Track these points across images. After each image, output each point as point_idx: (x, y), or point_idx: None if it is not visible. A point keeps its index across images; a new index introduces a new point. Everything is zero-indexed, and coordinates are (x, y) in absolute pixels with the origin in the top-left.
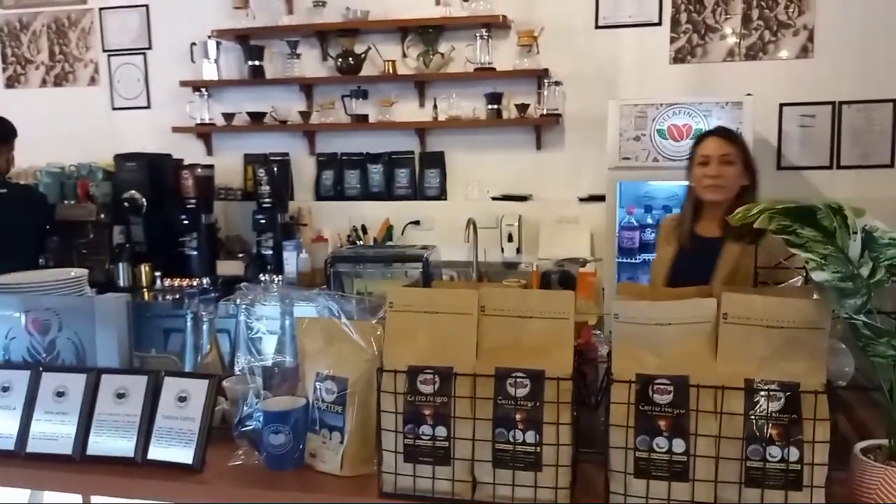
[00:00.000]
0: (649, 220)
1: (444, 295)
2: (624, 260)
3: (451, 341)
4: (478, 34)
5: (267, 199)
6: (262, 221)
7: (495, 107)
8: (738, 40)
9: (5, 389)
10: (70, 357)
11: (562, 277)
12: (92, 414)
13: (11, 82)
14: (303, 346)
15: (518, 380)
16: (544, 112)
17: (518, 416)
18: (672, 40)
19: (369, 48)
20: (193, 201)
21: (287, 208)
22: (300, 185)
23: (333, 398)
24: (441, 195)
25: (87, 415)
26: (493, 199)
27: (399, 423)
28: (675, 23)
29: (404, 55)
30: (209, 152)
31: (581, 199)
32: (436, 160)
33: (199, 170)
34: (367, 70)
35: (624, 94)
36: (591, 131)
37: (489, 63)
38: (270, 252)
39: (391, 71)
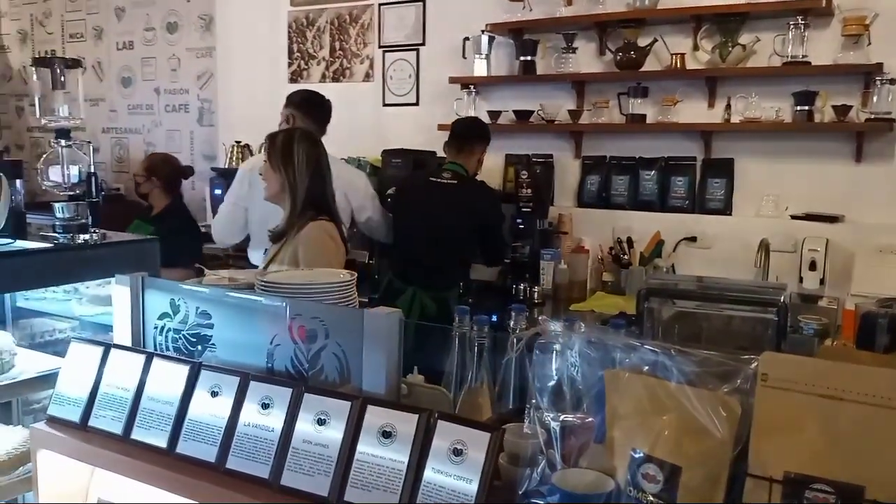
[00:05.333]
0: None
1: (852, 373)
2: None
3: (861, 445)
4: (791, 22)
5: (527, 203)
6: (521, 226)
7: (806, 108)
8: None
9: (265, 406)
10: (333, 373)
11: (892, 323)
12: (352, 453)
13: (295, 77)
14: (613, 407)
15: None
16: (871, 116)
17: None
18: None
19: (655, 40)
20: None
21: (547, 214)
22: (561, 190)
23: (657, 489)
24: (725, 209)
25: (346, 454)
26: (793, 217)
27: None
28: None
29: (696, 47)
30: None
31: None
32: (722, 168)
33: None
34: (649, 65)
35: None
36: None
37: (803, 56)
38: (526, 260)
39: (679, 65)
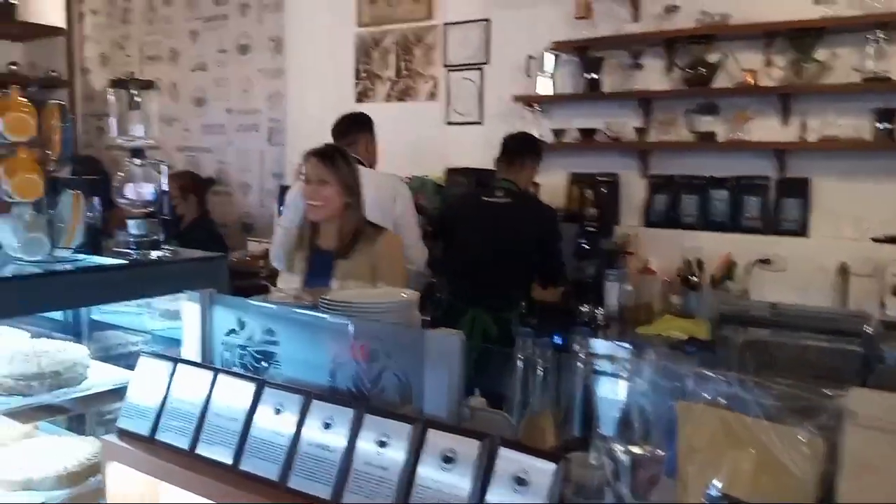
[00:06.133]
0: None
1: None
2: None
3: None
4: (870, 37)
5: (592, 223)
6: (586, 247)
7: (887, 126)
8: None
9: (327, 426)
10: (394, 394)
11: None
12: (412, 478)
13: (361, 97)
14: (687, 440)
15: None
16: None
17: None
18: None
19: (725, 56)
20: None
21: (612, 233)
22: (627, 209)
23: None
24: (801, 231)
25: (406, 479)
26: (875, 240)
27: None
28: None
29: (768, 63)
30: None
31: None
32: (798, 188)
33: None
34: (719, 82)
35: None
36: None
37: (883, 72)
38: (590, 281)
39: (751, 82)
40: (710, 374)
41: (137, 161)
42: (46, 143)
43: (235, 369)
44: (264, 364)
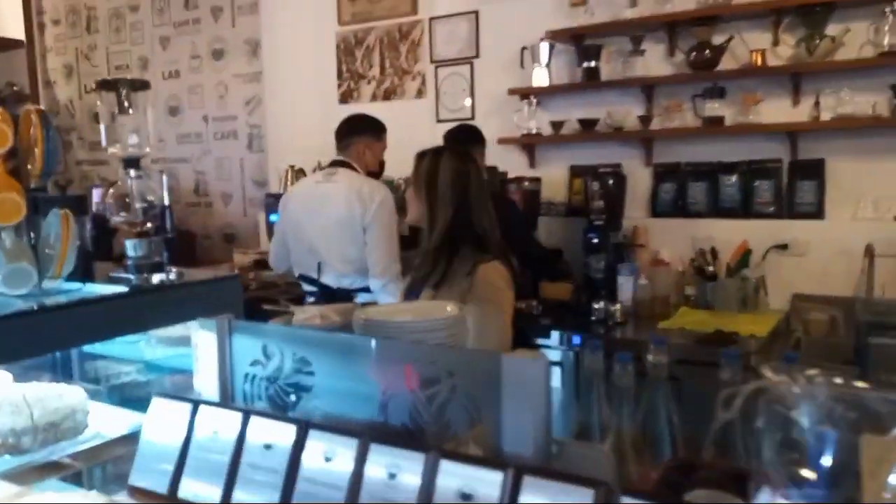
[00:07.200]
0: None
1: None
2: None
3: None
4: (887, 9)
5: (599, 216)
6: (594, 241)
7: None
8: None
9: (392, 476)
10: (463, 430)
11: None
12: None
13: (345, 98)
14: (876, 486)
15: None
16: None
17: None
18: None
19: (731, 37)
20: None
21: (620, 226)
22: (631, 200)
23: None
24: (817, 213)
25: None
26: None
27: None
28: None
29: (776, 42)
30: (532, 164)
31: None
32: (812, 170)
33: (527, 183)
34: (724, 64)
35: None
36: None
37: None
38: (601, 275)
39: (759, 62)
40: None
41: (133, 172)
42: (26, 156)
43: (260, 405)
44: (294, 398)
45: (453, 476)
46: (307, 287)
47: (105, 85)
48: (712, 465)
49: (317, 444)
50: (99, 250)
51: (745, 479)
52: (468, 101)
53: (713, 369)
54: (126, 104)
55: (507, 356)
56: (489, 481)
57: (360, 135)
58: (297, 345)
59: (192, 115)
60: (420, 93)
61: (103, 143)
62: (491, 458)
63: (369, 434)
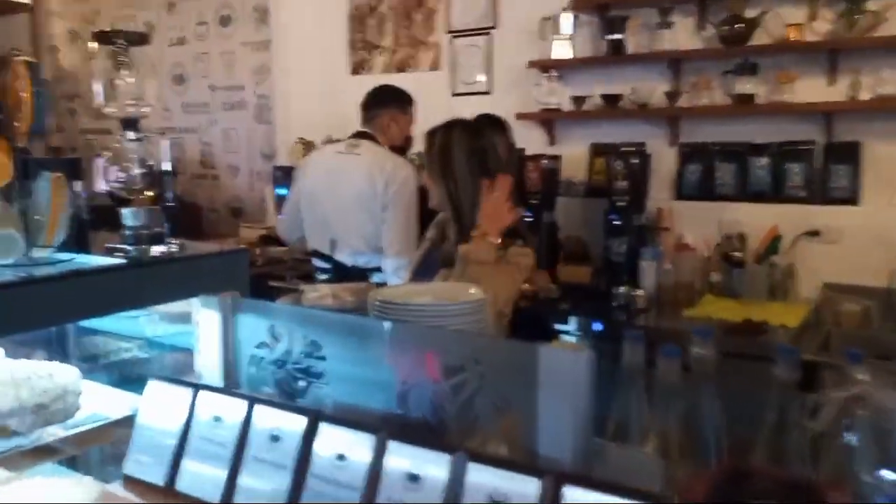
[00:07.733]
0: None
1: None
2: None
3: None
4: None
5: (621, 197)
6: (616, 223)
7: None
8: None
9: (413, 479)
10: (490, 426)
11: None
12: None
13: (357, 69)
14: None
15: None
16: None
17: None
18: None
19: (765, 11)
20: (536, 197)
21: (644, 208)
22: (656, 181)
23: None
24: (852, 199)
25: None
26: None
27: None
28: None
29: (812, 17)
30: (551, 141)
31: None
32: (847, 153)
33: (545, 161)
34: (757, 39)
35: None
36: None
37: None
38: (622, 259)
39: (794, 38)
40: None
41: (131, 134)
42: (13, 112)
43: (267, 391)
44: (304, 384)
45: (482, 480)
46: (320, 264)
47: (101, 37)
48: (769, 473)
49: (329, 437)
50: (102, 221)
51: (809, 490)
52: (484, 76)
53: (744, 362)
54: (124, 58)
55: (545, 346)
56: (523, 489)
57: (385, 106)
58: (307, 326)
59: (197, 84)
60: (435, 64)
61: (99, 99)
62: (525, 463)
63: (387, 429)
